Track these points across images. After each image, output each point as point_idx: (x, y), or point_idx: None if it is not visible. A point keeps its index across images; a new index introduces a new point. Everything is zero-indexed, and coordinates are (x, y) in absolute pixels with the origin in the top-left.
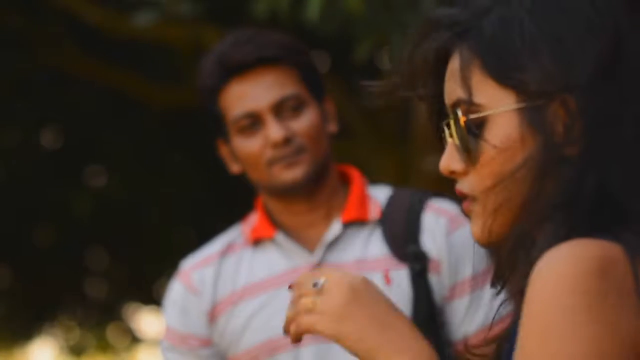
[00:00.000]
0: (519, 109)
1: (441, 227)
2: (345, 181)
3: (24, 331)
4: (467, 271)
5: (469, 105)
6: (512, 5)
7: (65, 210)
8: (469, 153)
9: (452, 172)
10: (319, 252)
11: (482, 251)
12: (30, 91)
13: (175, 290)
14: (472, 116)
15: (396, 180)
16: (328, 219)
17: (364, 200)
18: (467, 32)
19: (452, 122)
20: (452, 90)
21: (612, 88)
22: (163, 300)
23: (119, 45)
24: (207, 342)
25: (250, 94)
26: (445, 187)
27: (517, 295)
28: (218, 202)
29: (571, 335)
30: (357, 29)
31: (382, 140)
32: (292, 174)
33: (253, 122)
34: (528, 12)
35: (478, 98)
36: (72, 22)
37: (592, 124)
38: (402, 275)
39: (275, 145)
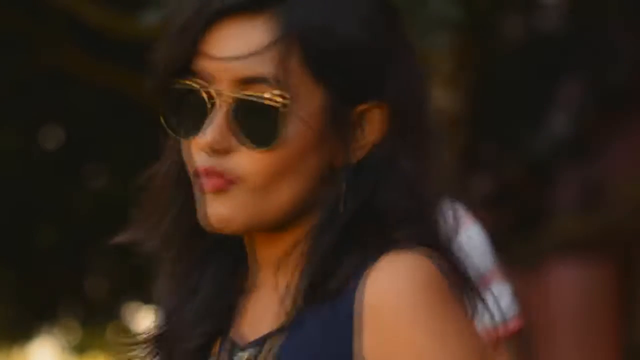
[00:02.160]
0: (324, 106)
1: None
2: None
3: (24, 331)
4: (470, 272)
5: (272, 87)
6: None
7: (66, 210)
8: (255, 136)
9: (215, 150)
10: None
11: (485, 253)
12: (30, 91)
13: None
14: (277, 99)
15: None
16: None
17: None
18: (278, 4)
19: (237, 97)
20: (248, 62)
21: (402, 98)
22: None
23: (120, 45)
24: None
25: None
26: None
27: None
28: None
29: (443, 349)
30: None
31: None
32: None
33: None
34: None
35: (285, 83)
36: (73, 22)
37: (391, 132)
38: None
39: None
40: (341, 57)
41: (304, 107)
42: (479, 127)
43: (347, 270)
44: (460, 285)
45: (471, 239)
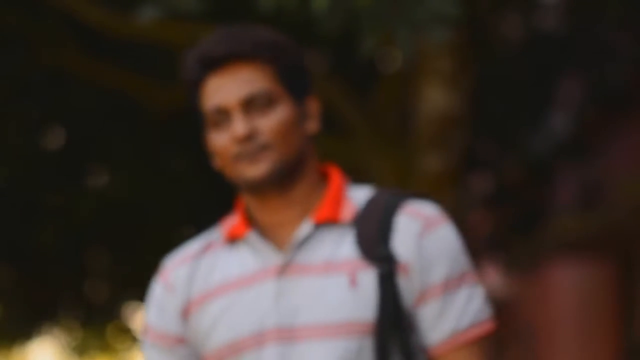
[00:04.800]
0: None
1: (413, 229)
2: (325, 180)
3: (24, 331)
4: (438, 276)
5: None
6: None
7: (66, 210)
8: None
9: None
10: (288, 252)
11: (458, 254)
12: (30, 91)
13: (155, 288)
14: None
15: (396, 180)
16: (302, 218)
17: (339, 200)
18: None
19: None
20: None
21: None
22: None
23: (120, 45)
24: (182, 341)
25: (222, 89)
26: (445, 186)
27: None
28: (218, 201)
29: None
30: (364, 23)
31: (382, 140)
32: (254, 170)
33: (223, 117)
34: None
35: None
36: (73, 22)
37: None
38: (369, 278)
39: (239, 141)
40: None
41: None
42: (479, 127)
43: None
44: None
45: (443, 240)
